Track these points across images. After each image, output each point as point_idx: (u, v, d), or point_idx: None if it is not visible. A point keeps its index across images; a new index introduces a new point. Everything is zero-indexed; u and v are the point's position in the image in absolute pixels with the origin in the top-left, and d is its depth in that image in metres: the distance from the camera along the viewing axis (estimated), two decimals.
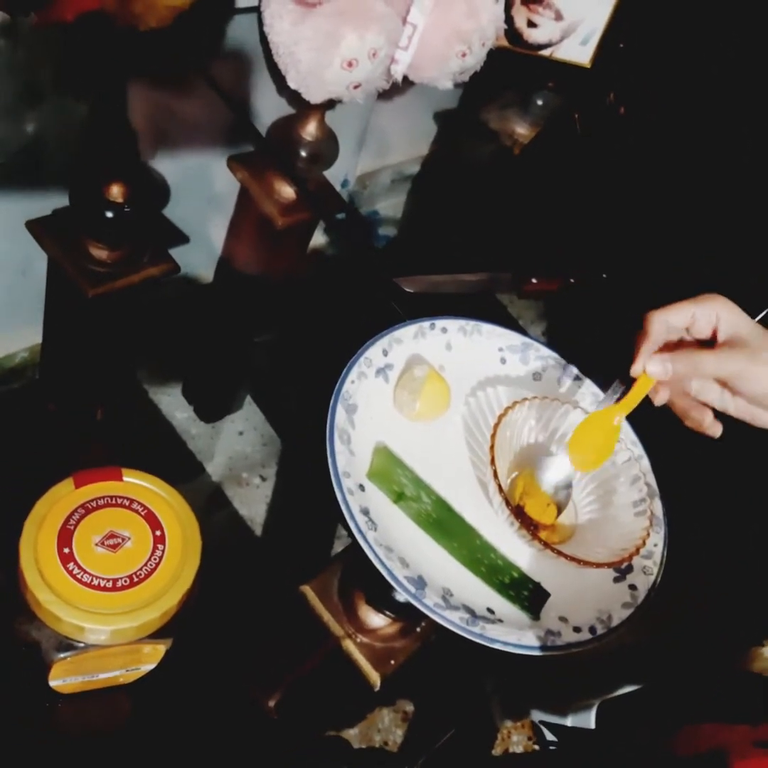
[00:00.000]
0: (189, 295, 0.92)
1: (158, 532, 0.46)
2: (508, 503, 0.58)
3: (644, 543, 0.59)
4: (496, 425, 0.61)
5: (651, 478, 0.65)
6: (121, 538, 0.45)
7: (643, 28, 0.90)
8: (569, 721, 0.72)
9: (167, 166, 0.81)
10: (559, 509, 0.62)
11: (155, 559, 0.45)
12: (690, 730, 0.61)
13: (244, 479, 0.93)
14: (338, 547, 0.88)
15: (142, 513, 0.46)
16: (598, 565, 0.58)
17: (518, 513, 0.60)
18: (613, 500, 0.63)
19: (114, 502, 0.46)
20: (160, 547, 0.45)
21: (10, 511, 0.47)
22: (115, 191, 0.70)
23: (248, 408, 0.97)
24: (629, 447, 0.65)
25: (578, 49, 0.87)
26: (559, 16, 0.85)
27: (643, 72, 0.94)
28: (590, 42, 0.87)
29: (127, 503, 0.46)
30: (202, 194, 0.86)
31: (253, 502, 0.91)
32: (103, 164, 0.70)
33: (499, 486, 0.58)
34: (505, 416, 0.62)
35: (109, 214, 0.70)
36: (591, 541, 0.61)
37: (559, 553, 0.57)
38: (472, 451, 0.65)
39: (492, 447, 0.60)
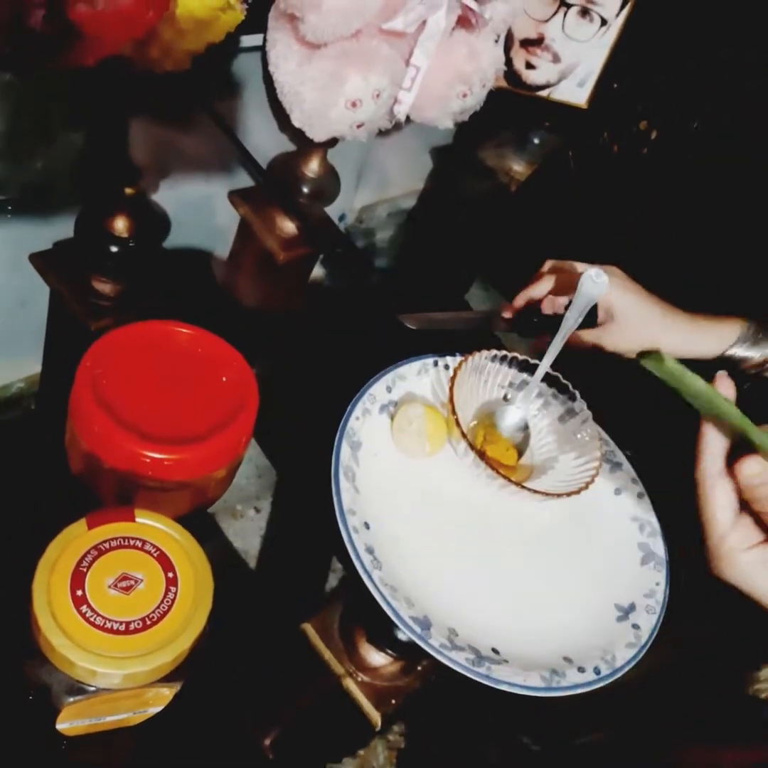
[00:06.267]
0: None
1: (171, 574, 0.45)
2: (472, 447, 0.62)
3: (600, 465, 0.64)
4: (453, 378, 0.65)
5: (598, 427, 0.68)
6: (134, 580, 0.44)
7: (638, 70, 0.92)
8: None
9: (170, 200, 0.81)
10: (520, 453, 0.68)
11: (168, 601, 0.44)
12: (685, 752, 0.61)
13: (239, 511, 0.92)
14: (333, 580, 0.87)
15: (155, 554, 0.46)
16: (558, 496, 0.61)
17: (482, 456, 0.63)
18: (567, 439, 0.68)
19: (127, 543, 0.45)
20: (173, 589, 0.45)
21: (17, 546, 0.46)
22: (120, 226, 0.70)
23: None
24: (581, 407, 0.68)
25: (575, 90, 0.89)
26: (556, 59, 0.87)
27: (637, 110, 0.96)
28: (587, 84, 0.89)
29: (139, 544, 0.46)
30: (203, 228, 0.87)
31: (247, 535, 0.91)
32: (108, 199, 0.71)
33: (462, 433, 0.62)
34: (460, 369, 0.65)
35: (114, 249, 0.70)
36: (550, 476, 0.66)
37: (523, 487, 0.61)
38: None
39: (451, 399, 0.63)
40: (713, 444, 0.50)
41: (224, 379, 0.56)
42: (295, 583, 0.87)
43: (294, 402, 0.92)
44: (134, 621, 0.43)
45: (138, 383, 0.53)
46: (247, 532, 0.90)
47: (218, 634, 0.52)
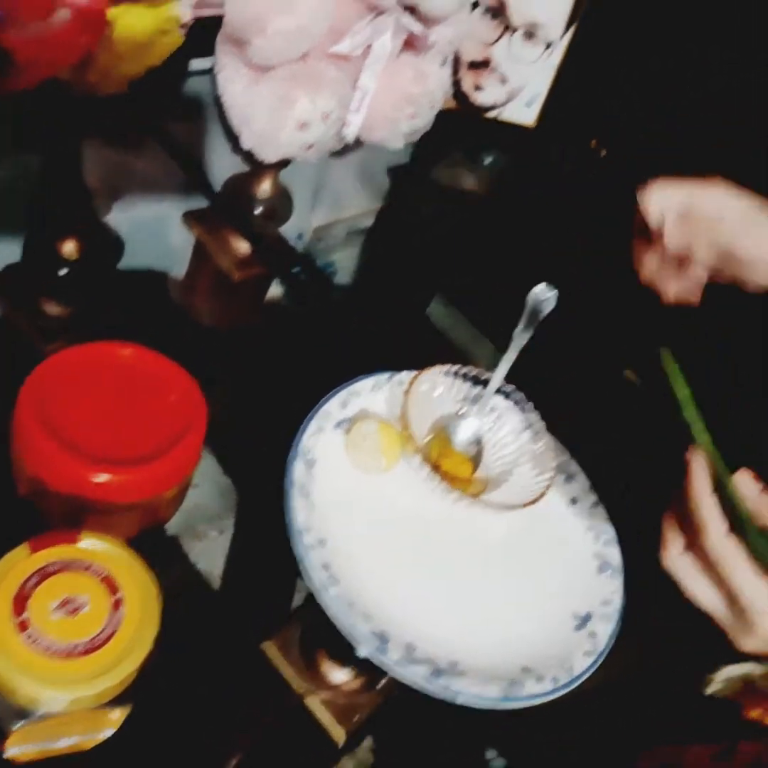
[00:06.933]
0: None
1: (116, 596, 0.45)
2: (426, 461, 0.63)
3: (554, 476, 0.64)
4: (406, 393, 0.65)
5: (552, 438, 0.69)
6: (79, 603, 0.44)
7: (586, 88, 0.93)
8: None
9: (122, 221, 0.81)
10: (475, 466, 0.68)
11: (114, 623, 0.44)
12: (647, 754, 0.62)
13: (201, 532, 0.91)
14: (298, 599, 0.87)
15: (100, 576, 0.45)
16: (513, 507, 0.62)
17: (436, 470, 0.63)
18: (522, 451, 0.68)
19: (71, 566, 0.45)
20: (118, 611, 0.45)
21: None
22: (69, 248, 0.70)
23: (204, 460, 0.96)
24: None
25: (523, 110, 0.91)
26: (503, 80, 0.88)
27: (586, 130, 0.98)
28: (534, 104, 0.90)
29: (84, 567, 0.45)
30: (158, 249, 0.87)
31: (211, 556, 0.90)
32: (57, 221, 0.71)
33: (417, 447, 0.63)
34: (413, 384, 0.66)
35: (63, 272, 0.70)
36: (505, 489, 0.66)
37: (478, 499, 0.62)
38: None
39: (404, 415, 0.64)
40: (714, 516, 0.48)
41: (172, 398, 0.56)
42: (261, 603, 0.87)
43: (254, 420, 0.91)
44: (79, 644, 0.43)
45: (84, 405, 0.53)
46: (210, 553, 0.90)
47: (180, 656, 0.52)
